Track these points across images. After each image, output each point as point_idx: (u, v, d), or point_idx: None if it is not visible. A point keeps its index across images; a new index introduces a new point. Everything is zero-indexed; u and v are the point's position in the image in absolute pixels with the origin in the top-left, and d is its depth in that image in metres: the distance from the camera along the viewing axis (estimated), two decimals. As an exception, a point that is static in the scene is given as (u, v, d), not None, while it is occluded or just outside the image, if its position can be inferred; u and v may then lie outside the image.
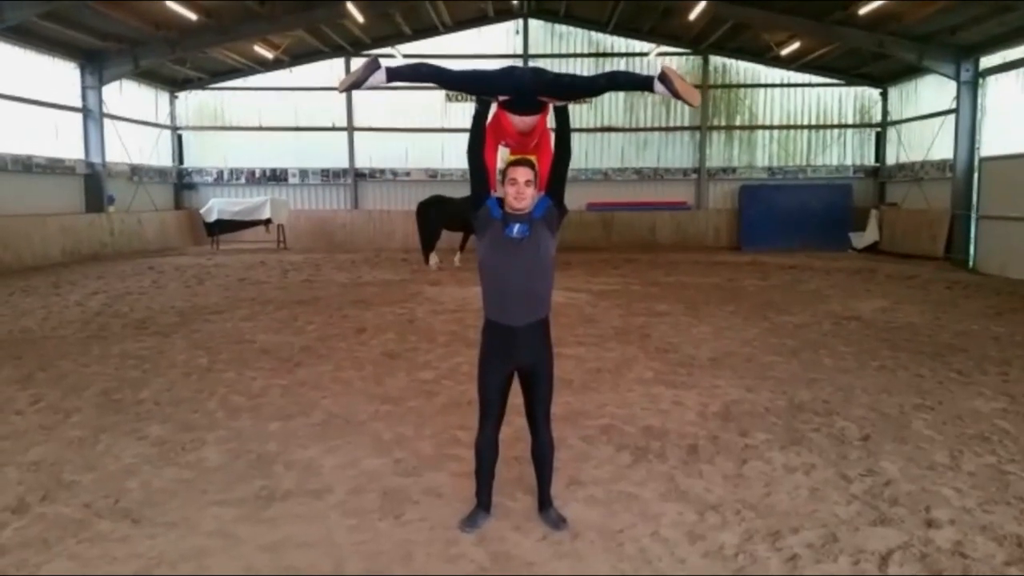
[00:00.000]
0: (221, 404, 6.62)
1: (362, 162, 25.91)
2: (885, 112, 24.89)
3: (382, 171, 25.86)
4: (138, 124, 23.67)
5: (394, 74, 4.23)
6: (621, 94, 25.47)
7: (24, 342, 9.27)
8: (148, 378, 7.51)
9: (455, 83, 4.54)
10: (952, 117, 20.21)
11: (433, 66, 4.41)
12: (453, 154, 25.50)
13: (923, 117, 22.40)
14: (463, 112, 25.35)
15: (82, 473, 5.00)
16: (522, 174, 4.02)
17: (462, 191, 25.46)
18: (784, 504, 4.54)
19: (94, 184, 20.98)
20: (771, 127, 25.59)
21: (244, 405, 6.60)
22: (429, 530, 4.17)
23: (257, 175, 25.33)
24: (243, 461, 5.23)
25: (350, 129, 25.64)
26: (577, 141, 25.70)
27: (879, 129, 25.19)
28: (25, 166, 18.29)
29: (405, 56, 25.04)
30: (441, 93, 25.08)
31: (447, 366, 8.01)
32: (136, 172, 23.30)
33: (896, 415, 6.34)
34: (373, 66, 4.17)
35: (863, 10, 18.27)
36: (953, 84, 19.90)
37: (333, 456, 5.32)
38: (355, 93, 25.38)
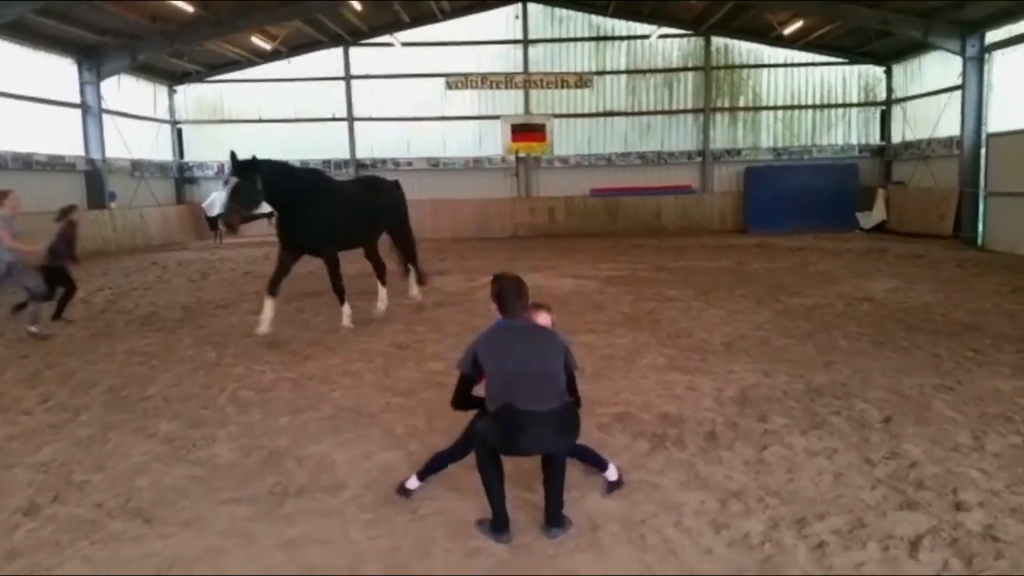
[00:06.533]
0: (230, 399, 6.54)
1: (363, 152, 25.75)
2: (890, 90, 24.64)
3: (384, 161, 25.68)
4: (137, 119, 23.54)
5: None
6: (623, 77, 25.27)
7: (30, 340, 9.19)
8: (155, 374, 7.43)
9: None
10: (958, 93, 19.99)
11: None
12: (455, 142, 25.41)
13: (929, 94, 22.18)
14: (463, 100, 25.22)
15: (92, 473, 4.93)
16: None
17: (464, 181, 25.41)
18: (808, 490, 4.45)
19: (95, 180, 20.87)
20: (775, 108, 25.37)
21: (254, 400, 6.52)
22: (446, 524, 4.09)
23: (258, 168, 25.18)
24: (255, 457, 5.16)
25: (350, 119, 25.48)
26: (580, 126, 25.59)
27: (884, 107, 24.96)
28: (25, 163, 18.19)
29: (404, 44, 24.84)
30: (440, 81, 24.93)
31: (457, 356, 7.90)
32: (137, 167, 23.19)
33: (916, 396, 6.24)
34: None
35: (867, -13, 18.05)
36: (959, 60, 19.67)
37: (345, 450, 5.24)
38: (354, 82, 25.26)
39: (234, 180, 8.24)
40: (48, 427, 5.87)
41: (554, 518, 3.98)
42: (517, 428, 3.89)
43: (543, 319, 4.39)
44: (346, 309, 9.44)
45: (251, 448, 5.33)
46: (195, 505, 4.41)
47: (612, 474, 4.48)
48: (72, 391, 6.88)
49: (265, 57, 24.58)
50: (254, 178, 8.26)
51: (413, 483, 4.43)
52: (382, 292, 10.51)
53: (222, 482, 4.74)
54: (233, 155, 8.30)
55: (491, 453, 4.01)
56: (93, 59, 20.61)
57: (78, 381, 7.23)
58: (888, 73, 24.60)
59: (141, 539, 4.00)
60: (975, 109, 19.50)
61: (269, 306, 8.84)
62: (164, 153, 25.21)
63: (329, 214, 9.08)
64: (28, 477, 4.88)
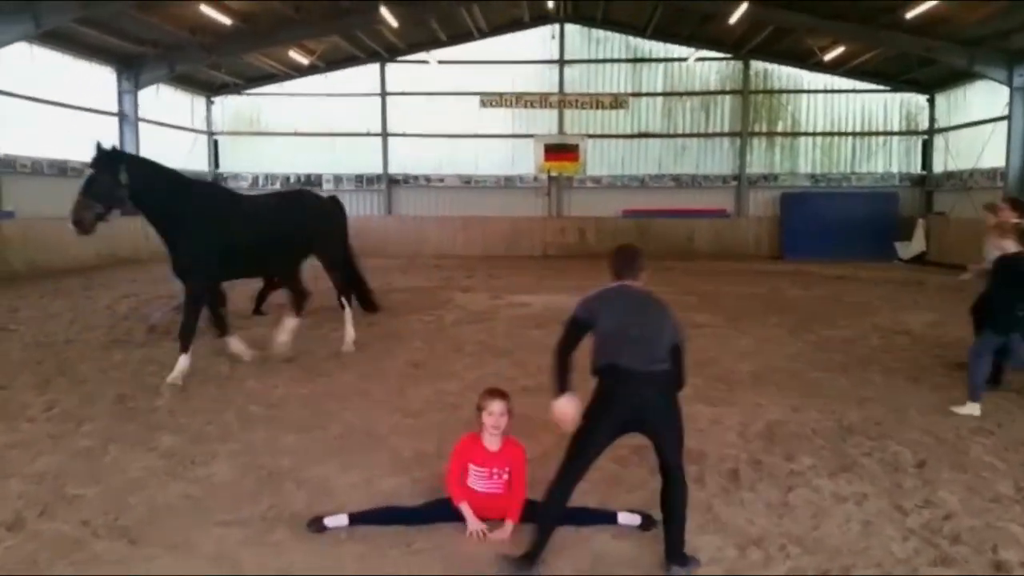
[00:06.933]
0: (237, 415, 6.37)
1: (396, 168, 25.77)
2: (932, 119, 24.11)
3: (416, 177, 25.71)
4: (174, 129, 23.82)
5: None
6: (659, 99, 25.05)
7: (47, 345, 9.16)
8: (165, 385, 7.28)
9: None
10: (1004, 124, 19.46)
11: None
12: (487, 160, 25.32)
13: (973, 124, 21.66)
14: (497, 118, 25.13)
15: (86, 486, 4.77)
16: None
17: (495, 198, 25.28)
18: (834, 539, 4.14)
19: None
20: (814, 134, 24.94)
21: (261, 416, 6.35)
22: (442, 560, 3.84)
23: (292, 180, 25.30)
24: (253, 477, 4.96)
25: (384, 135, 25.53)
26: (613, 147, 25.39)
27: (926, 136, 24.42)
28: (61, 169, 18.41)
29: (440, 62, 24.87)
30: (475, 99, 24.86)
31: (473, 377, 7.68)
32: (172, 176, 23.37)
33: (953, 439, 5.88)
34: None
35: (910, 14, 17.64)
36: (1005, 90, 19.18)
37: (348, 474, 5.03)
38: (389, 98, 25.31)
39: (89, 172, 7.04)
40: (48, 436, 5.74)
41: (674, 552, 3.75)
42: (620, 383, 3.77)
43: (497, 407, 4.15)
44: (182, 362, 7.40)
45: (251, 467, 5.14)
46: (185, 527, 4.21)
47: (632, 519, 4.21)
48: (80, 400, 6.76)
49: (302, 71, 24.77)
50: (115, 170, 6.98)
51: (338, 521, 4.13)
52: (289, 323, 8.61)
53: (216, 503, 4.54)
54: (98, 145, 7.14)
55: (574, 474, 3.83)
56: (132, 69, 20.90)
57: (88, 390, 7.12)
58: (931, 102, 24.08)
59: (123, 561, 3.81)
60: (1021, 140, 18.97)
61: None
62: (200, 163, 25.43)
63: (206, 233, 7.48)
64: (20, 488, 4.73)
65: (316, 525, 4.12)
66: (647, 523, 4.18)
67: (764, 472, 5.12)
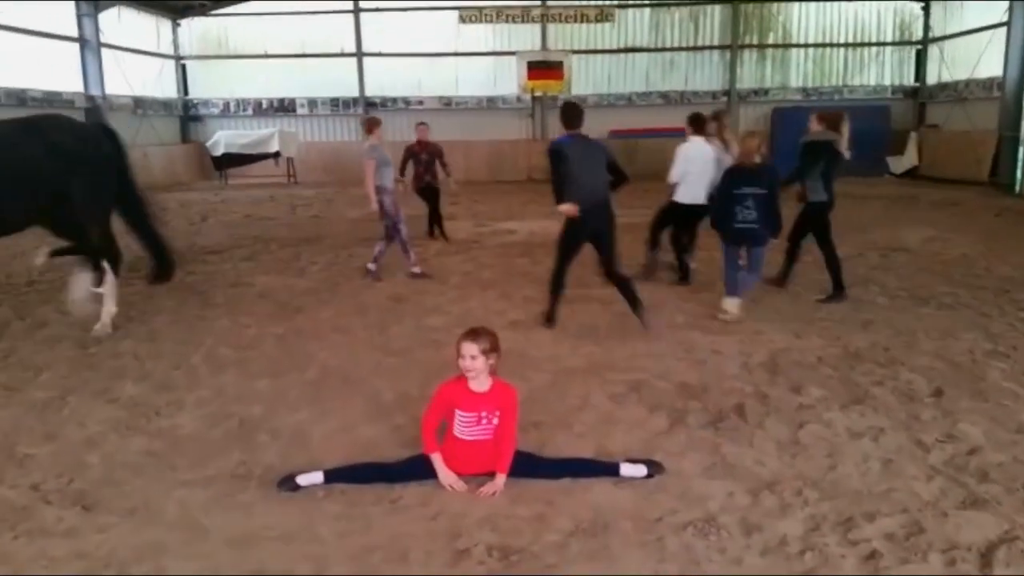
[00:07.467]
0: (206, 358, 5.96)
1: (373, 90, 24.76)
2: (927, 28, 23.32)
3: (394, 100, 24.74)
4: (139, 54, 22.66)
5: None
6: (647, 10, 24.04)
7: (8, 286, 8.68)
8: (131, 327, 6.86)
9: None
10: (1003, 31, 18.77)
11: None
12: (468, 81, 24.36)
13: (969, 32, 20.92)
14: (477, 34, 24.08)
15: (39, 444, 4.38)
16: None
17: (477, 121, 24.39)
18: (853, 480, 3.81)
19: (95, 118, 20.10)
20: (806, 45, 24.10)
21: (232, 359, 5.94)
22: (430, 519, 3.49)
23: (264, 106, 24.29)
24: (222, 428, 4.58)
25: (359, 55, 24.44)
26: (599, 63, 24.49)
27: (920, 47, 23.67)
28: (20, 100, 17.41)
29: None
30: (454, 14, 23.78)
31: (459, 311, 7.29)
32: (139, 105, 22.40)
33: (968, 364, 5.57)
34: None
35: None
36: (1006, -6, 18.43)
37: (325, 421, 4.65)
38: (363, 15, 24.19)
39: None
40: (2, 388, 5.32)
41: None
42: (581, 216, 6.06)
43: (468, 349, 3.66)
44: None
45: (220, 417, 4.75)
46: (145, 487, 3.84)
47: (637, 470, 3.83)
48: (37, 346, 6.33)
49: (271, -12, 23.53)
50: None
51: (312, 479, 3.76)
52: (108, 283, 6.82)
53: (180, 459, 4.16)
54: None
55: (565, 264, 6.38)
56: (90, -11, 19.72)
57: (47, 335, 6.68)
58: (926, 10, 23.25)
59: (75, 532, 3.43)
60: (1021, 48, 18.34)
61: None
62: (168, 90, 24.39)
63: None
64: (-34, 449, 4.33)
65: (288, 484, 3.75)
66: (652, 472, 3.83)
67: (771, 406, 4.78)
